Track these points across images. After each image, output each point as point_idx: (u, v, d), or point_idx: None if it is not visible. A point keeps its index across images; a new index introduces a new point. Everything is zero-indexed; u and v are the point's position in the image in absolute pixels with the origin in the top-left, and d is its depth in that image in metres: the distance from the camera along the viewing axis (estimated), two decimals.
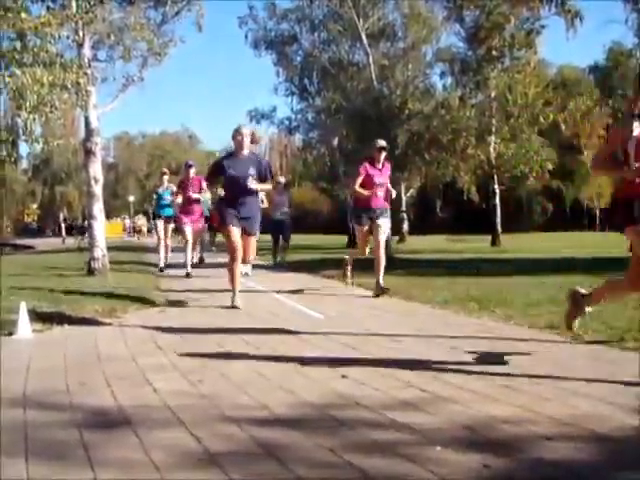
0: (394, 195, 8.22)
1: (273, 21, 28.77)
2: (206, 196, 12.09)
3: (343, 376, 3.69)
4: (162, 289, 8.85)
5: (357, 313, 6.58)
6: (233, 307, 6.76)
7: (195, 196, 11.37)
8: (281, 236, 13.82)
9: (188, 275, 10.79)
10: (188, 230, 11.32)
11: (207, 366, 4.04)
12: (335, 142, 27.61)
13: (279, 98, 37.49)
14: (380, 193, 7.97)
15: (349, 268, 8.83)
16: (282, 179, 14.35)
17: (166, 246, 12.64)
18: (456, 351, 4.42)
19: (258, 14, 28.75)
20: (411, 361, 4.09)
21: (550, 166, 25.85)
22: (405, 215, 32.45)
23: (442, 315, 6.30)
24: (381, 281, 7.82)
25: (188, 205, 11.32)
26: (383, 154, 8.05)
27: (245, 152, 6.95)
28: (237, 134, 6.92)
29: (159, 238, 12.61)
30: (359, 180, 7.95)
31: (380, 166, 8.05)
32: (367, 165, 7.97)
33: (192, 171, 11.46)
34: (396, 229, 30.79)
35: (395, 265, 11.23)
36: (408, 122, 23.21)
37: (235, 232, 6.84)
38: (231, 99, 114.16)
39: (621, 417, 2.82)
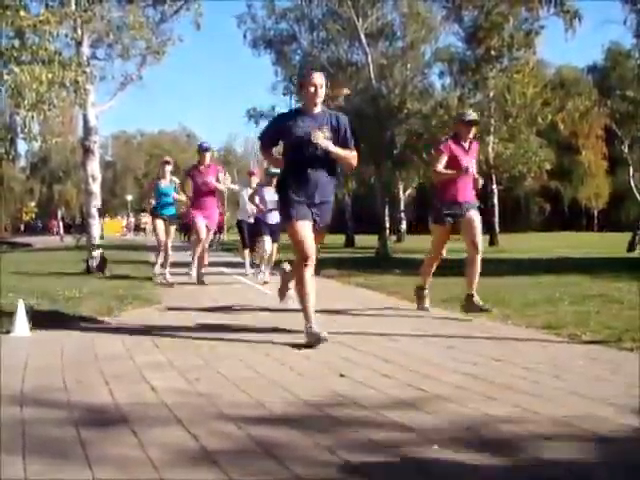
0: (481, 184, 6.25)
1: (272, 20, 28.85)
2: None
3: (341, 375, 3.69)
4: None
5: (354, 312, 6.58)
6: (317, 341, 4.58)
7: (215, 184, 9.26)
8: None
9: (201, 282, 9.28)
10: (202, 226, 9.25)
11: (204, 364, 4.03)
12: None
13: (278, 97, 37.54)
14: (468, 181, 6.17)
15: (426, 290, 6.59)
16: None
17: (166, 251, 10.38)
18: (453, 350, 4.42)
19: (257, 13, 28.86)
20: (408, 360, 4.09)
21: (548, 166, 25.95)
22: (403, 215, 32.49)
23: (439, 314, 6.29)
24: (475, 296, 6.07)
25: (202, 197, 9.27)
26: (473, 131, 6.29)
27: (318, 108, 4.91)
28: (308, 83, 4.85)
29: (159, 242, 10.44)
30: (442, 161, 6.12)
31: (467, 145, 6.25)
32: (451, 143, 6.20)
33: (208, 155, 9.41)
34: (394, 229, 30.85)
35: (393, 265, 11.25)
36: (407, 122, 23.22)
37: (305, 228, 4.83)
38: (229, 98, 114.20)
39: (620, 417, 2.82)
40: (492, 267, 11.73)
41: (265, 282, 9.33)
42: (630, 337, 4.51)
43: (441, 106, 23.60)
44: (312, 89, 4.83)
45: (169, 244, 10.42)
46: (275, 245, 10.29)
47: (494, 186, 26.22)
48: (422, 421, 2.83)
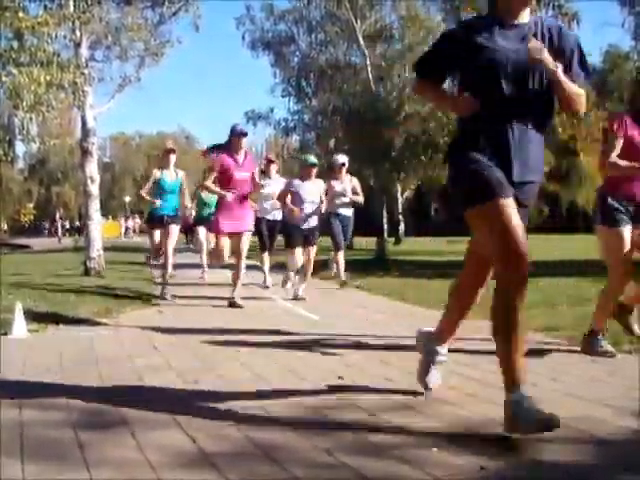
0: None
1: (270, 22, 28.84)
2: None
3: (339, 377, 3.69)
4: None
5: (353, 314, 6.58)
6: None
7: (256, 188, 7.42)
8: (341, 241, 9.53)
9: (233, 304, 7.08)
10: (225, 252, 7.03)
11: (203, 366, 4.03)
12: (332, 144, 27.62)
13: (276, 99, 37.50)
14: None
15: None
16: (344, 158, 9.59)
17: (166, 258, 8.17)
18: (452, 352, 4.41)
19: (255, 15, 28.84)
20: (407, 363, 4.09)
21: (546, 169, 25.97)
22: (401, 217, 32.52)
23: (437, 316, 6.28)
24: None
25: (234, 198, 6.98)
26: None
27: (526, 15, 2.93)
28: None
29: (154, 247, 8.60)
30: (617, 146, 4.19)
31: None
32: (627, 120, 4.23)
33: (244, 142, 7.13)
34: (393, 231, 30.86)
35: (393, 267, 11.23)
36: (405, 124, 23.20)
37: (513, 210, 2.75)
38: (228, 100, 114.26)
39: (618, 420, 2.82)
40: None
41: (299, 298, 7.79)
42: (628, 340, 4.51)
43: None
44: None
45: (169, 250, 8.18)
46: (313, 250, 8.24)
47: None
48: (421, 423, 2.83)
